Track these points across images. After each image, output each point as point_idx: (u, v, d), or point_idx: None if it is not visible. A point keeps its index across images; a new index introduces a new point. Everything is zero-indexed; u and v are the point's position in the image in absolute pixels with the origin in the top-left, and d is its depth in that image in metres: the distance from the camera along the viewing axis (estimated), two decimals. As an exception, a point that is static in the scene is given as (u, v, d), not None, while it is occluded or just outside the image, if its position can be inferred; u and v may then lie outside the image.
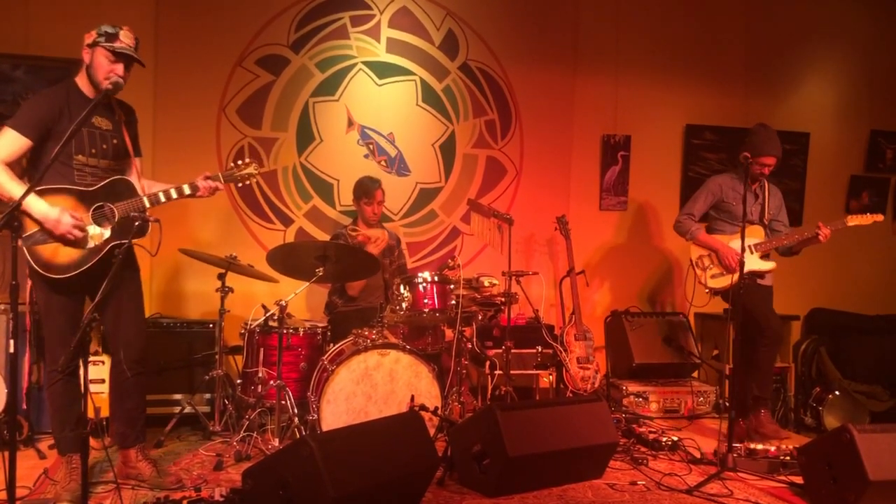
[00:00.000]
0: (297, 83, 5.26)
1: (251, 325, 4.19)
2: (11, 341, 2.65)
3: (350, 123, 5.37)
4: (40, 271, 3.10)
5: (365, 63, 5.38)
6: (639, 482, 3.60)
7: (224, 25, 5.10)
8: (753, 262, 4.48)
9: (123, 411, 3.44)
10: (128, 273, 3.39)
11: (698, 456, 4.05)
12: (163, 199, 3.28)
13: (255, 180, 3.58)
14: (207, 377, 4.38)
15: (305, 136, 5.29)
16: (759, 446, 3.90)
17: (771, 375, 4.31)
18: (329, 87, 5.32)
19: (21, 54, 4.74)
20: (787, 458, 3.79)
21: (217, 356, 4.38)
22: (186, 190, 3.32)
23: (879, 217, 4.36)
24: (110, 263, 3.03)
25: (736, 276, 4.42)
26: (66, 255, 3.13)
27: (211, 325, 4.62)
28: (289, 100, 5.25)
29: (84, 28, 3.21)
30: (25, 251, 3.07)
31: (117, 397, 3.45)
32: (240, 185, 3.55)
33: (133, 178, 3.34)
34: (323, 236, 5.21)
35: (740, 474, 3.73)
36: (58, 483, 3.25)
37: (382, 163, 5.43)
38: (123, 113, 3.38)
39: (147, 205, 3.24)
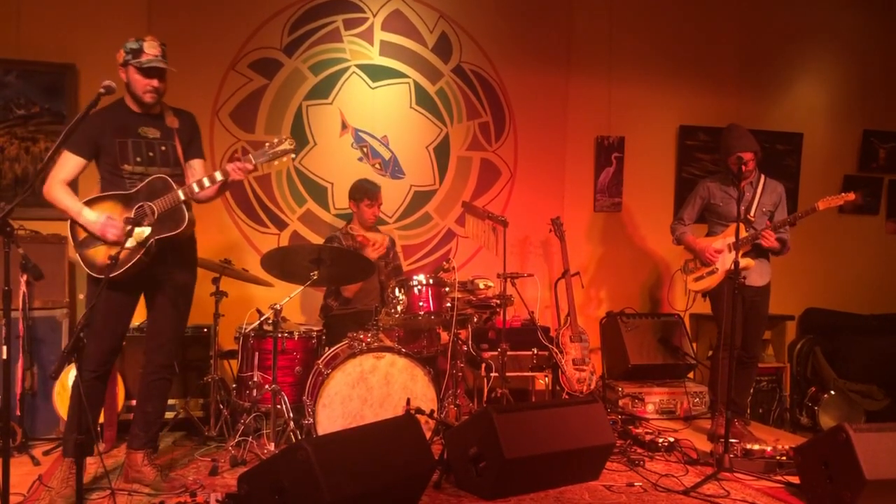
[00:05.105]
0: (291, 87, 5.25)
1: (246, 329, 4.16)
2: (4, 347, 2.64)
3: (344, 126, 5.37)
4: (90, 273, 3.25)
5: (358, 66, 5.37)
6: (636, 483, 3.60)
7: (216, 29, 5.08)
8: (731, 260, 4.48)
9: (142, 414, 3.50)
10: (182, 276, 3.49)
11: (695, 457, 4.05)
12: (196, 188, 3.31)
13: (291, 157, 3.50)
14: (202, 382, 4.37)
15: (299, 140, 5.27)
16: (756, 446, 3.90)
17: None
18: (322, 91, 5.31)
19: (13, 59, 4.72)
20: (784, 457, 3.79)
21: (212, 360, 4.37)
22: (218, 176, 3.34)
23: (850, 196, 4.32)
24: (160, 260, 3.30)
25: (714, 277, 4.47)
26: (107, 255, 3.20)
27: (205, 330, 4.60)
28: (282, 103, 5.24)
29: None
30: (79, 257, 3.27)
31: (140, 399, 3.54)
32: (275, 162, 3.47)
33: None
34: (317, 240, 5.20)
35: (737, 475, 3.73)
36: (52, 489, 3.23)
37: (377, 166, 5.42)
38: (179, 120, 3.46)
39: (181, 197, 3.29)
